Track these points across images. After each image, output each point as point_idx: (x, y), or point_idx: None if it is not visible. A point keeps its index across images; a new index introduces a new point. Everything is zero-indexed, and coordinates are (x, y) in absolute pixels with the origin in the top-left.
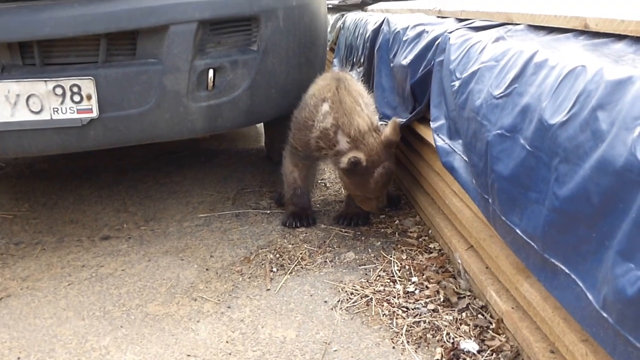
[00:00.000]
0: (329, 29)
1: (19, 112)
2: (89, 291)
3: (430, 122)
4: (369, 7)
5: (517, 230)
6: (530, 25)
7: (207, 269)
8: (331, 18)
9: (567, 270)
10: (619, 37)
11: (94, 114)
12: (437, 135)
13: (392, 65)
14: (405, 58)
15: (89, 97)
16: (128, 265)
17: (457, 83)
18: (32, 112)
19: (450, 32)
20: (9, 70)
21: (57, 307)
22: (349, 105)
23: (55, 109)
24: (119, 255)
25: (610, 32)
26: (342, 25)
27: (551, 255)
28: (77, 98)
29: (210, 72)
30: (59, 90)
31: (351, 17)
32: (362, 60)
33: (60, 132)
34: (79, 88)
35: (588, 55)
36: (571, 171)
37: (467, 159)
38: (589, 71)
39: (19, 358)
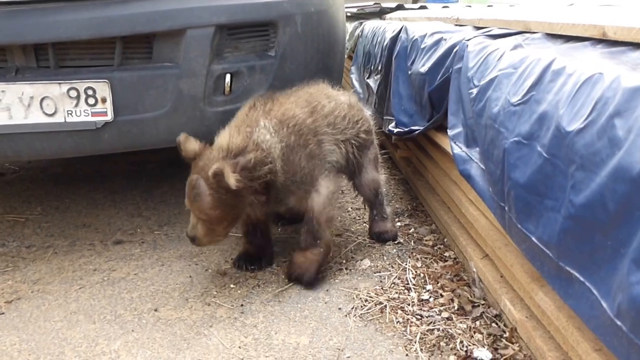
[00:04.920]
0: (347, 37)
1: (32, 114)
2: (100, 295)
3: (448, 130)
4: (388, 16)
5: (533, 238)
6: (547, 34)
7: (221, 274)
8: (349, 26)
9: (581, 278)
10: (637, 46)
11: (109, 117)
12: (454, 143)
13: (409, 73)
14: (423, 66)
15: (103, 100)
16: (141, 269)
17: (474, 90)
18: (46, 114)
19: (468, 40)
20: (23, 72)
21: (68, 311)
22: (236, 122)
23: (70, 112)
24: (131, 260)
25: (628, 41)
26: (360, 33)
27: (566, 263)
28: (91, 101)
29: (228, 76)
30: (73, 93)
31: (369, 25)
32: (379, 68)
33: (74, 134)
34: (94, 91)
35: (605, 63)
36: (587, 178)
37: (484, 167)
38: (606, 78)
39: None
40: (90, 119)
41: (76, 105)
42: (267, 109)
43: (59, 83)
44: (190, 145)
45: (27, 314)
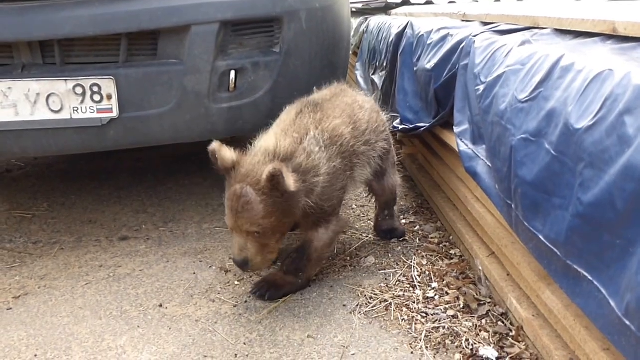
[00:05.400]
0: (352, 33)
1: (39, 111)
2: (107, 291)
3: (454, 127)
4: (393, 11)
5: (540, 236)
6: (556, 29)
7: (225, 271)
8: (355, 22)
9: (590, 277)
10: None
11: (114, 113)
12: (461, 140)
13: (415, 69)
14: (429, 62)
15: (109, 97)
16: (146, 265)
17: (481, 87)
18: (52, 111)
19: (475, 36)
20: (29, 69)
21: (74, 306)
22: (283, 125)
23: (75, 109)
24: (137, 256)
25: (639, 37)
26: (365, 29)
27: (574, 262)
28: (97, 97)
29: (232, 73)
30: (79, 90)
31: (375, 21)
32: (385, 64)
33: (80, 131)
34: (99, 87)
35: (616, 59)
36: (596, 177)
37: (490, 164)
38: (616, 75)
39: (35, 355)
40: (95, 115)
41: (82, 102)
42: (318, 119)
43: (65, 80)
44: (227, 153)
45: (35, 310)
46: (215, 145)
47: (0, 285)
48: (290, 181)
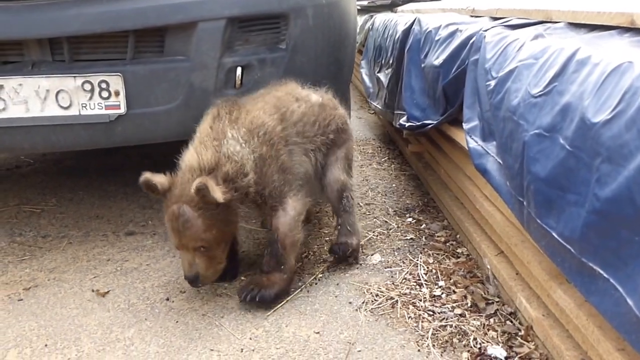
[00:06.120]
0: (357, 30)
1: (48, 107)
2: (114, 284)
3: (463, 124)
4: (399, 8)
5: (553, 234)
6: (570, 23)
7: None
8: (360, 19)
9: (606, 275)
10: None
11: (122, 110)
12: (470, 136)
13: (422, 65)
14: (437, 58)
15: (117, 93)
16: (153, 260)
17: (492, 82)
18: (61, 107)
19: (485, 31)
20: (39, 66)
21: (83, 299)
22: (200, 136)
23: (84, 105)
24: (143, 251)
25: None
26: (370, 27)
27: (589, 259)
28: (105, 94)
29: (238, 69)
30: (87, 86)
31: (380, 18)
32: (391, 62)
33: (88, 127)
34: (107, 84)
35: (635, 51)
36: (614, 172)
37: (501, 161)
38: (636, 67)
39: (46, 345)
40: (103, 112)
41: (90, 98)
42: (234, 118)
43: (74, 77)
44: (160, 179)
45: (44, 301)
46: (145, 175)
47: (11, 277)
48: (218, 193)
